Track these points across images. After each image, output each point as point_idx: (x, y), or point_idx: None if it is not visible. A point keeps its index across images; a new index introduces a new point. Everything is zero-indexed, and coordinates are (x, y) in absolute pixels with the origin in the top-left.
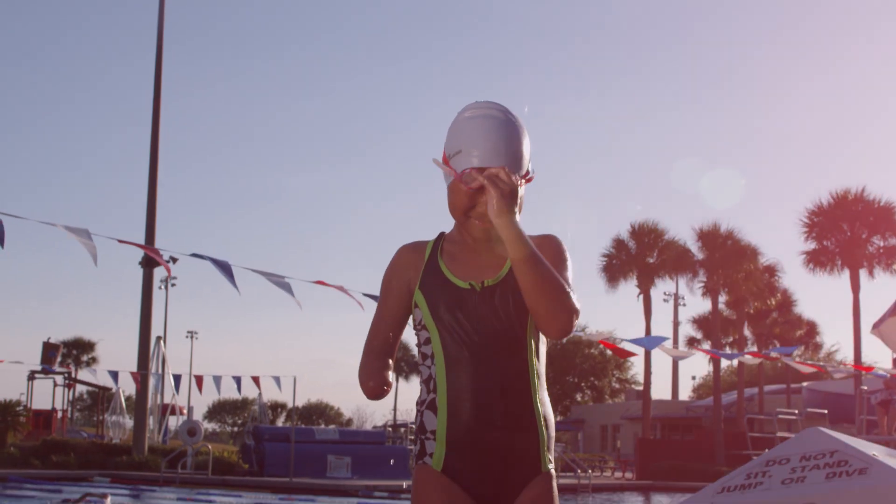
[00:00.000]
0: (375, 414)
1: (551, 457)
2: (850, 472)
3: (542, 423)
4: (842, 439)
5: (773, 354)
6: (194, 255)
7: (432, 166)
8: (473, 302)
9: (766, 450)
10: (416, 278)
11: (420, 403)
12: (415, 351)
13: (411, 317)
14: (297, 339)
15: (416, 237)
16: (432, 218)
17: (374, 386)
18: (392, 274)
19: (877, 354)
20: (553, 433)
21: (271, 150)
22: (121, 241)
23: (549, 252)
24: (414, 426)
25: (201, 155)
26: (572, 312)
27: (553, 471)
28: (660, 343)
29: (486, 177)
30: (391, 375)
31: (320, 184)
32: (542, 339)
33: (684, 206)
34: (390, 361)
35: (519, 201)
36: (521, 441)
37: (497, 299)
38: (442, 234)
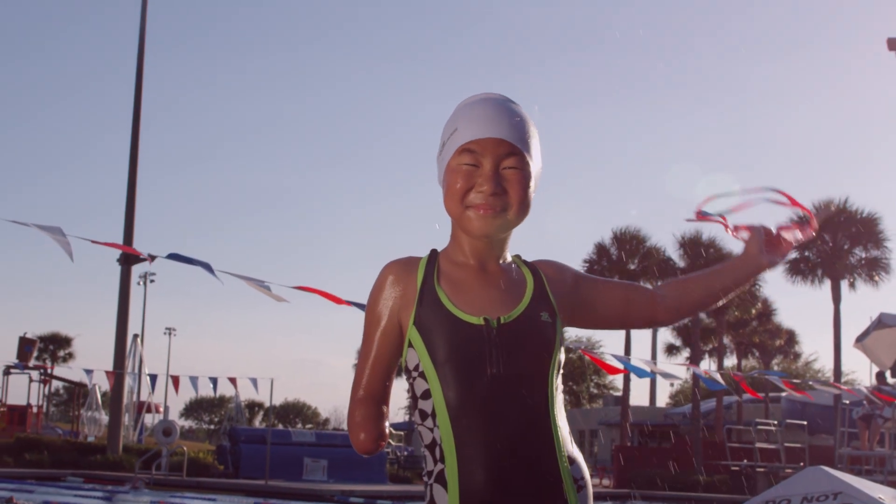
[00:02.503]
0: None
1: None
2: None
3: (571, 488)
4: (845, 480)
5: (757, 375)
6: (172, 255)
7: (421, 167)
8: (487, 343)
9: (745, 461)
10: (410, 309)
11: (428, 475)
12: None
13: (402, 360)
14: (276, 337)
15: (406, 240)
16: (423, 222)
17: (367, 439)
18: (379, 300)
19: (855, 364)
20: (589, 494)
21: (255, 151)
22: (94, 242)
23: (565, 275)
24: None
25: (184, 157)
26: None
27: None
28: (644, 373)
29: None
30: (387, 426)
31: (308, 184)
32: (559, 385)
33: (667, 213)
34: (385, 409)
35: (533, 187)
36: None
37: (516, 340)
38: (435, 253)
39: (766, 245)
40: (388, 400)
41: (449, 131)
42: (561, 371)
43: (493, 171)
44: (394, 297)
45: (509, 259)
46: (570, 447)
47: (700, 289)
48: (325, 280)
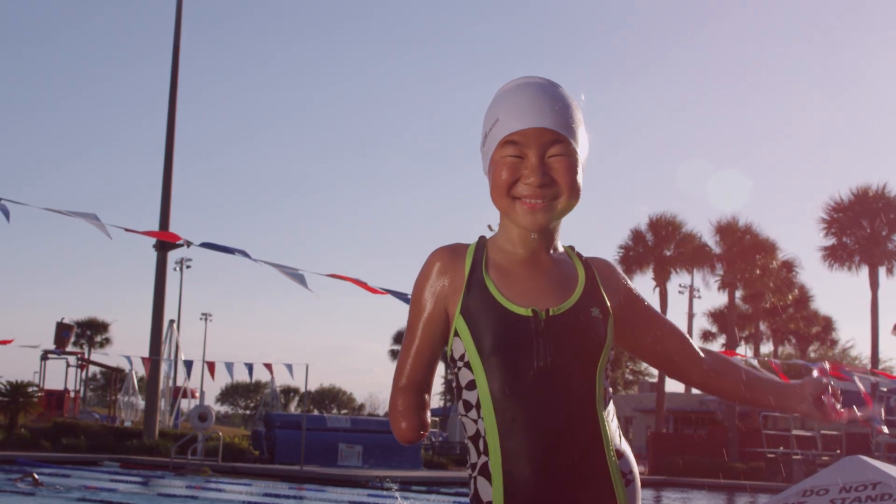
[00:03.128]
0: (388, 400)
1: None
2: None
3: (619, 482)
4: (885, 469)
5: (801, 363)
6: (205, 244)
7: (449, 155)
8: (535, 335)
9: (781, 448)
10: (457, 297)
11: (472, 467)
12: None
13: (447, 348)
14: (312, 323)
15: (444, 228)
16: (458, 212)
17: (408, 428)
18: (425, 288)
19: (893, 351)
20: (637, 488)
21: (290, 140)
22: (128, 230)
23: (620, 282)
24: (469, 495)
25: (219, 146)
26: None
27: None
28: None
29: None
30: (429, 415)
31: (339, 173)
32: (608, 381)
33: (705, 203)
34: (427, 398)
35: (581, 172)
36: None
37: (565, 333)
38: (483, 240)
39: (818, 397)
40: (431, 389)
41: (490, 122)
42: (610, 368)
43: (538, 161)
44: (441, 284)
45: (561, 248)
46: (619, 441)
47: (735, 383)
48: (359, 267)
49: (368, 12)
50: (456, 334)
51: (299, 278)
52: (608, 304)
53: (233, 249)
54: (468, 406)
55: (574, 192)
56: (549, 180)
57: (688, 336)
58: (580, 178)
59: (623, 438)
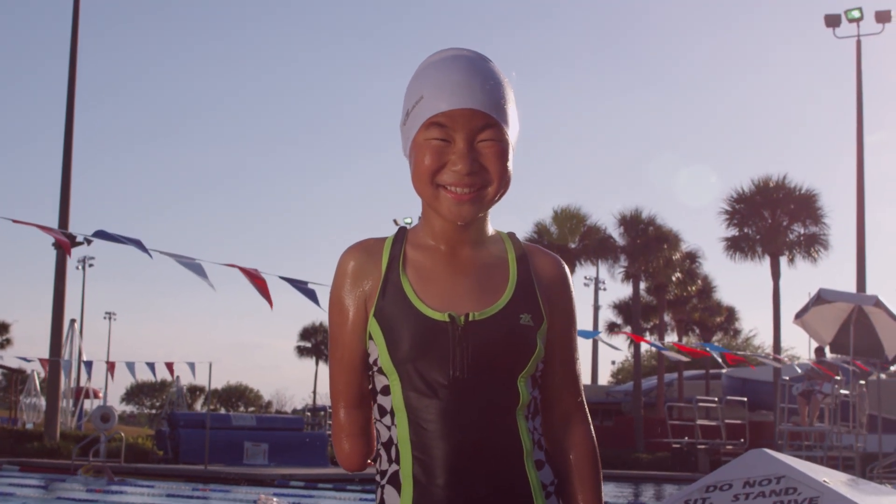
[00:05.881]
0: (295, 397)
1: None
2: (800, 502)
3: (539, 495)
4: (788, 462)
5: (700, 348)
6: (98, 233)
7: (377, 149)
8: (451, 343)
9: (686, 438)
10: (373, 297)
11: (381, 475)
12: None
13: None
14: (219, 320)
15: (359, 224)
16: (376, 209)
17: (352, 452)
18: (342, 292)
19: (794, 340)
20: (559, 501)
21: (201, 132)
22: (15, 221)
23: (560, 285)
24: (374, 501)
25: (126, 142)
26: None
27: None
28: (592, 336)
29: None
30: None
31: (258, 166)
32: (534, 393)
33: (609, 192)
34: (371, 416)
35: (511, 157)
36: None
37: (486, 341)
38: (403, 232)
39: None
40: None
41: (413, 98)
42: (537, 377)
43: (467, 147)
44: (358, 285)
45: (492, 234)
46: (540, 453)
47: (566, 461)
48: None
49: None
50: (370, 338)
51: (197, 268)
52: (542, 309)
53: (126, 240)
54: (382, 411)
55: (504, 183)
56: (479, 168)
57: (580, 390)
58: (511, 164)
59: (545, 445)
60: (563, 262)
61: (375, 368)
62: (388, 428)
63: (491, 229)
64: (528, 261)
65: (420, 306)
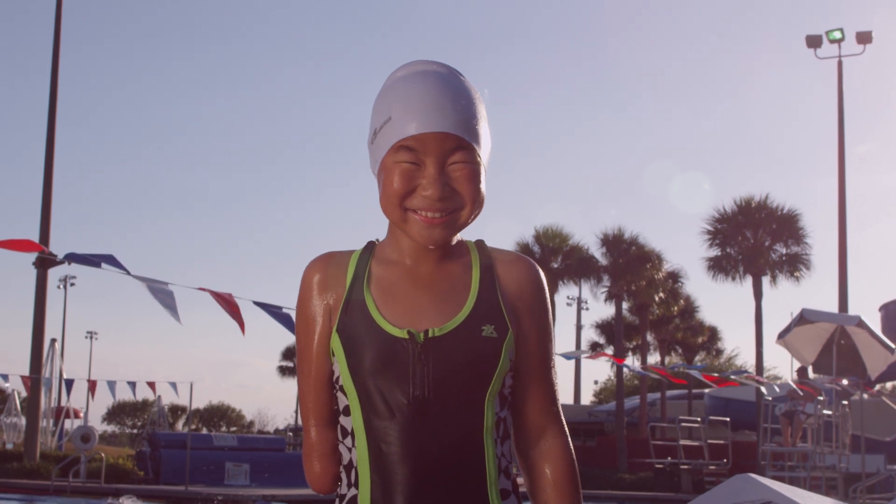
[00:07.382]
0: (277, 417)
1: None
2: None
3: None
4: (774, 488)
5: (682, 370)
6: (70, 255)
7: (348, 173)
8: (411, 361)
9: (669, 458)
10: (336, 311)
11: (340, 498)
12: None
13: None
14: (202, 339)
15: (338, 246)
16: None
17: (322, 472)
18: (308, 306)
19: (776, 360)
20: None
21: (179, 152)
22: None
23: (529, 289)
24: None
25: (105, 158)
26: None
27: None
28: (576, 356)
29: None
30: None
31: (230, 187)
32: (502, 411)
33: (590, 211)
34: (341, 436)
35: (483, 178)
36: None
37: (447, 358)
38: (371, 246)
39: None
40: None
41: (381, 118)
42: (506, 395)
43: (437, 171)
44: (323, 298)
45: (458, 245)
46: (507, 481)
47: (541, 474)
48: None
49: (266, 21)
50: (332, 354)
51: (167, 296)
52: (507, 319)
53: (97, 259)
54: (344, 432)
55: (477, 205)
56: (450, 192)
57: (555, 399)
58: (483, 186)
59: (513, 472)
60: (535, 265)
61: (338, 387)
62: (349, 450)
63: (458, 239)
64: (494, 269)
65: (381, 322)
